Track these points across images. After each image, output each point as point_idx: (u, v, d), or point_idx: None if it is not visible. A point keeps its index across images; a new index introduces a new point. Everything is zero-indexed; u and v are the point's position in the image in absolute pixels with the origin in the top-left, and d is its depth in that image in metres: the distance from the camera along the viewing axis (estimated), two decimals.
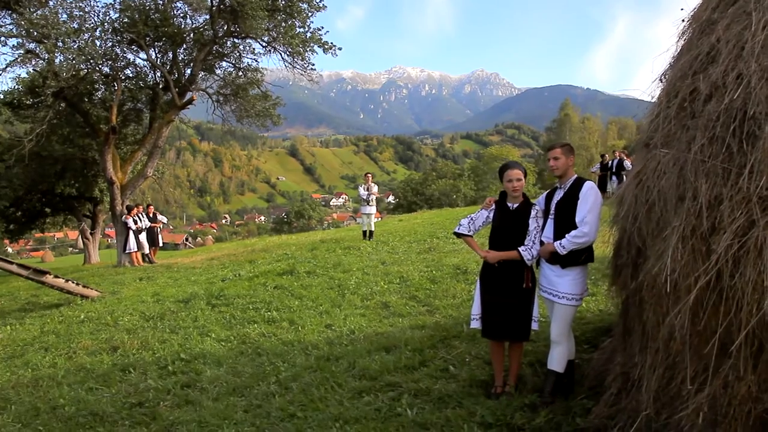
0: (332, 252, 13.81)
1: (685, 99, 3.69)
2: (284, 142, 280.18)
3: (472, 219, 4.94)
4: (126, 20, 16.12)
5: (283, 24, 17.04)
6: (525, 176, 4.77)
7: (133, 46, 17.02)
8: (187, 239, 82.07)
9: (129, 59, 17.72)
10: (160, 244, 18.26)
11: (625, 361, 4.20)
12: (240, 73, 19.05)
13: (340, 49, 18.13)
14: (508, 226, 4.74)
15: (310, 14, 17.06)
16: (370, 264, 11.63)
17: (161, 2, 17.04)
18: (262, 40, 17.42)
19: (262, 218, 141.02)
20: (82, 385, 6.15)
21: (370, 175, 16.87)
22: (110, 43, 16.60)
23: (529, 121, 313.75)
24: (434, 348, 5.94)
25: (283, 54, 17.75)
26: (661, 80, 4.47)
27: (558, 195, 4.66)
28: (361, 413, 4.64)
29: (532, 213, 4.72)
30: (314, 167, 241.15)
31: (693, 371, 3.36)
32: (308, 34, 17.46)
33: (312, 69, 18.09)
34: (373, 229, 16.32)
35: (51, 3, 15.73)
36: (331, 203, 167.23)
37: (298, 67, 17.83)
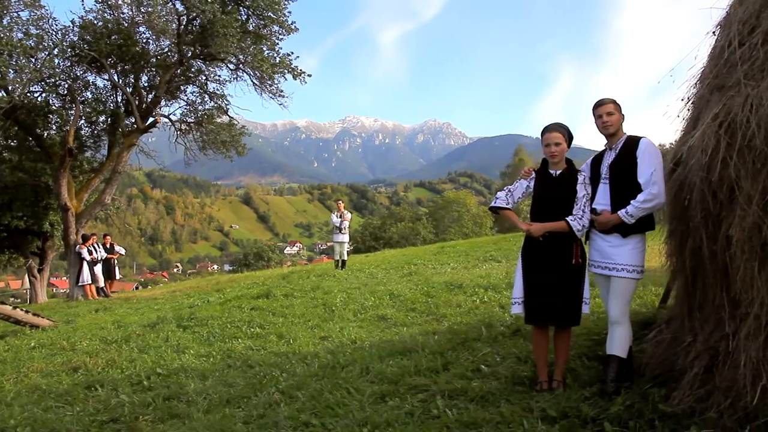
0: (306, 278, 12.97)
1: None
2: (238, 191, 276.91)
3: (509, 190, 4.37)
4: (87, 37, 15.31)
5: (252, 47, 16.54)
6: (569, 141, 4.25)
7: (93, 66, 16.14)
8: (137, 288, 78.46)
9: (88, 80, 16.84)
10: (117, 277, 16.99)
11: (706, 338, 3.63)
12: (206, 98, 18.32)
13: (309, 75, 17.70)
14: (553, 195, 4.18)
15: (281, 37, 16.65)
16: (352, 286, 10.88)
17: (124, 24, 16.33)
18: (230, 62, 16.86)
19: (215, 267, 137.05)
20: (37, 404, 5.14)
21: (341, 201, 16.24)
22: (69, 63, 15.71)
23: (480, 170, 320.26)
24: (455, 350, 5.25)
25: (251, 78, 17.19)
26: (714, 33, 4.15)
27: (609, 156, 4.14)
28: (391, 417, 3.89)
29: (580, 179, 4.18)
30: (268, 215, 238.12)
31: None
32: (277, 59, 16.99)
33: (281, 95, 17.56)
34: (345, 258, 15.59)
35: (5, 21, 14.86)
36: (285, 251, 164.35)
37: (266, 91, 17.27)
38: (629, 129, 4.27)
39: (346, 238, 15.50)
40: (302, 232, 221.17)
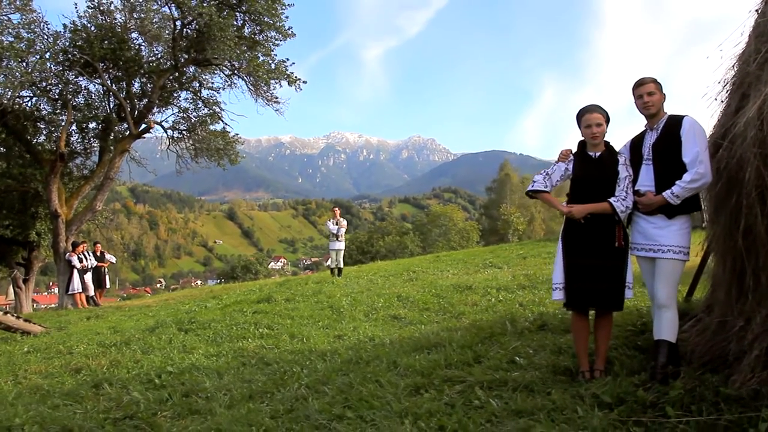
0: (305, 285, 12.69)
1: None
2: (222, 206, 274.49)
3: (547, 174, 4.22)
4: (80, 42, 15.05)
5: (247, 54, 16.38)
6: (607, 122, 4.13)
7: (86, 70, 15.84)
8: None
9: (81, 85, 16.53)
10: (107, 286, 16.56)
11: (763, 319, 3.48)
12: (200, 104, 18.06)
13: (305, 82, 17.57)
14: (594, 177, 4.04)
15: (277, 43, 16.53)
16: (355, 291, 10.64)
17: (117, 29, 16.09)
18: (225, 67, 16.68)
19: (199, 282, 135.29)
20: (42, 403, 4.83)
21: (337, 209, 16.12)
22: (61, 67, 15.42)
23: (465, 185, 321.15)
24: (483, 344, 5.06)
25: (247, 84, 17.01)
26: (757, 11, 4.10)
27: (651, 137, 4.02)
28: (432, 407, 3.69)
29: (621, 161, 4.05)
30: (252, 231, 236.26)
31: None
32: (273, 65, 16.85)
33: (276, 101, 17.40)
34: (341, 266, 15.39)
35: None
36: (269, 266, 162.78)
37: (262, 97, 17.10)
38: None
39: (342, 245, 15.34)
40: (287, 248, 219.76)
